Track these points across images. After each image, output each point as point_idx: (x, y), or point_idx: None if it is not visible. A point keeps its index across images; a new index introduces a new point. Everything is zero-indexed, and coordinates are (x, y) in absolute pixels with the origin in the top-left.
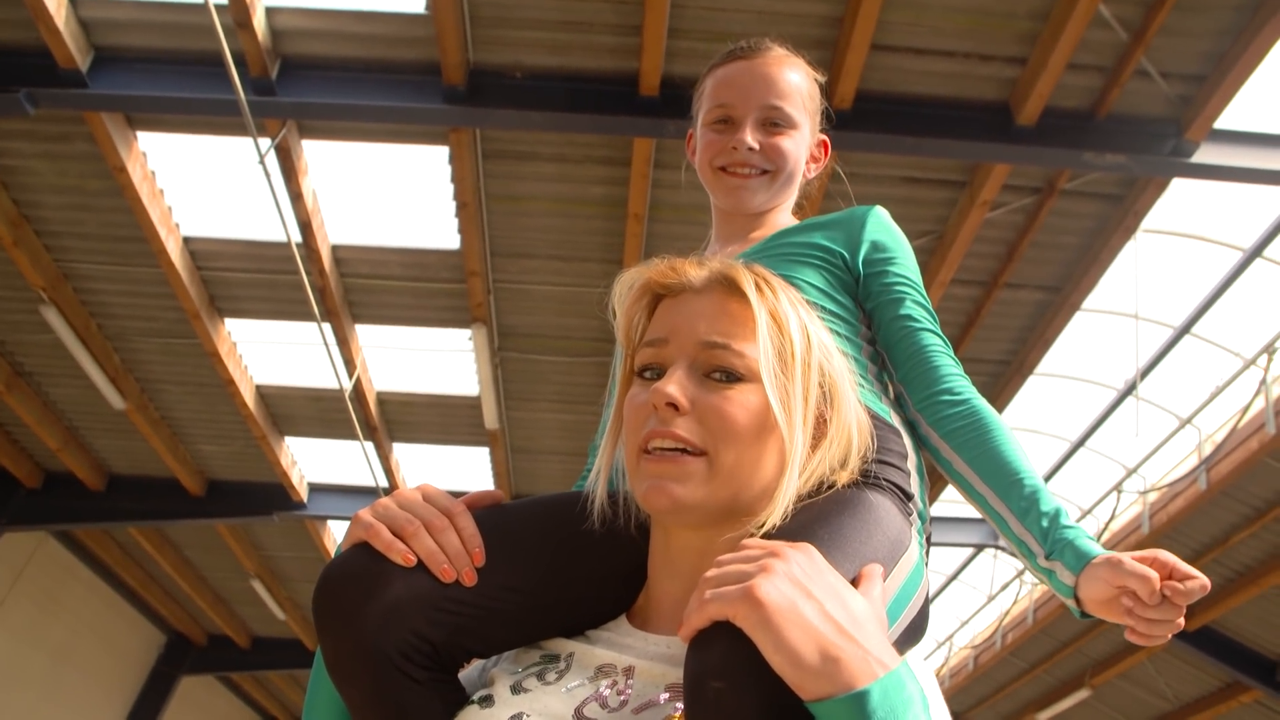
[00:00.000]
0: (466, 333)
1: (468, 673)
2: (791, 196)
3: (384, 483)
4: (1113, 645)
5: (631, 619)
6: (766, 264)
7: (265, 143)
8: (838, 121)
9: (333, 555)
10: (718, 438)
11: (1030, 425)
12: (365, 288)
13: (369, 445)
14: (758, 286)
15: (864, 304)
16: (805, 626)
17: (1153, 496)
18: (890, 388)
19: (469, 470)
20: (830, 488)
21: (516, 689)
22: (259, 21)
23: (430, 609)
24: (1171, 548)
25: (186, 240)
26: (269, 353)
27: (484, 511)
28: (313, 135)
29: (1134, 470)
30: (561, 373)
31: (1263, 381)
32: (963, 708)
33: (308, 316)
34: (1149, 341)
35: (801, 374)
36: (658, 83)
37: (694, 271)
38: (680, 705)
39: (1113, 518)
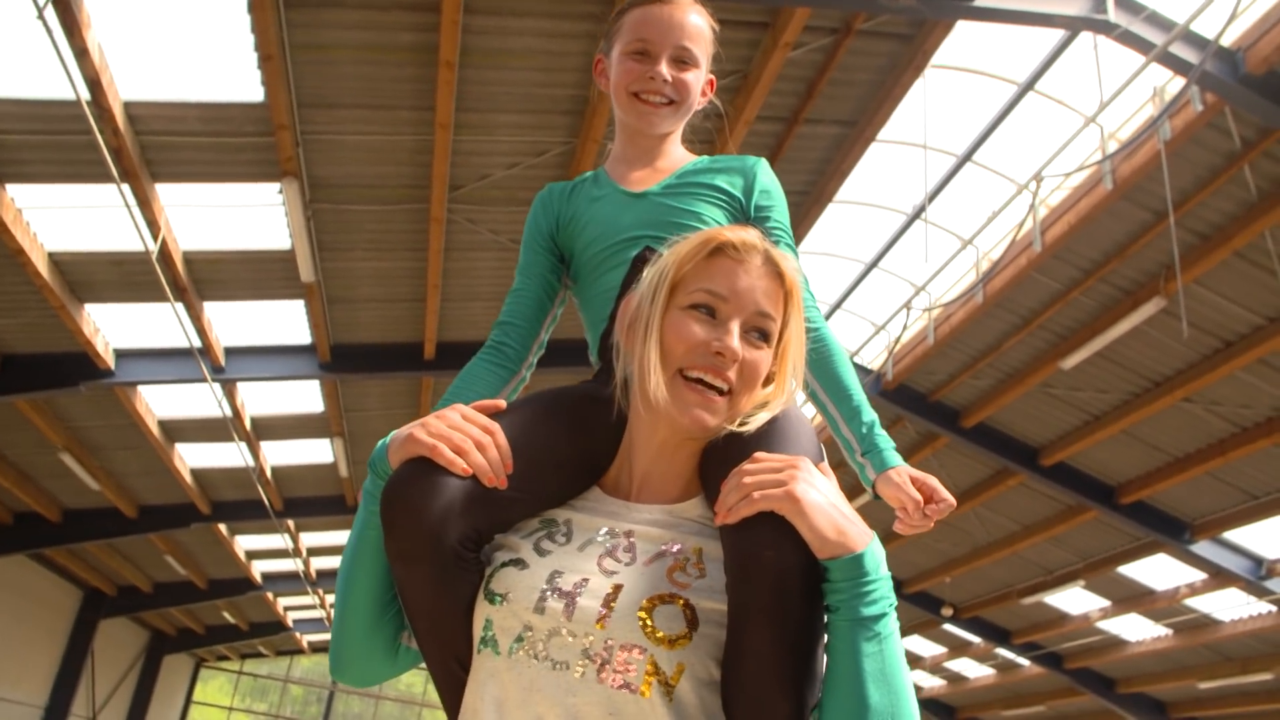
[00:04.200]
0: (276, 186)
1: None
2: (684, 123)
3: (197, 343)
4: (901, 446)
5: (604, 489)
6: (679, 199)
7: None
8: None
9: (373, 459)
10: (745, 383)
11: (828, 250)
12: (164, 145)
13: (179, 306)
14: (794, 278)
15: None
16: (824, 513)
17: (937, 311)
18: None
19: (285, 325)
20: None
21: (540, 551)
22: None
23: (478, 506)
24: (952, 355)
25: None
26: (62, 218)
27: (500, 416)
28: None
29: (921, 288)
30: (375, 221)
31: (1032, 204)
32: None
33: (104, 178)
34: (936, 170)
35: (796, 349)
36: None
37: (757, 243)
38: (683, 555)
39: (904, 330)
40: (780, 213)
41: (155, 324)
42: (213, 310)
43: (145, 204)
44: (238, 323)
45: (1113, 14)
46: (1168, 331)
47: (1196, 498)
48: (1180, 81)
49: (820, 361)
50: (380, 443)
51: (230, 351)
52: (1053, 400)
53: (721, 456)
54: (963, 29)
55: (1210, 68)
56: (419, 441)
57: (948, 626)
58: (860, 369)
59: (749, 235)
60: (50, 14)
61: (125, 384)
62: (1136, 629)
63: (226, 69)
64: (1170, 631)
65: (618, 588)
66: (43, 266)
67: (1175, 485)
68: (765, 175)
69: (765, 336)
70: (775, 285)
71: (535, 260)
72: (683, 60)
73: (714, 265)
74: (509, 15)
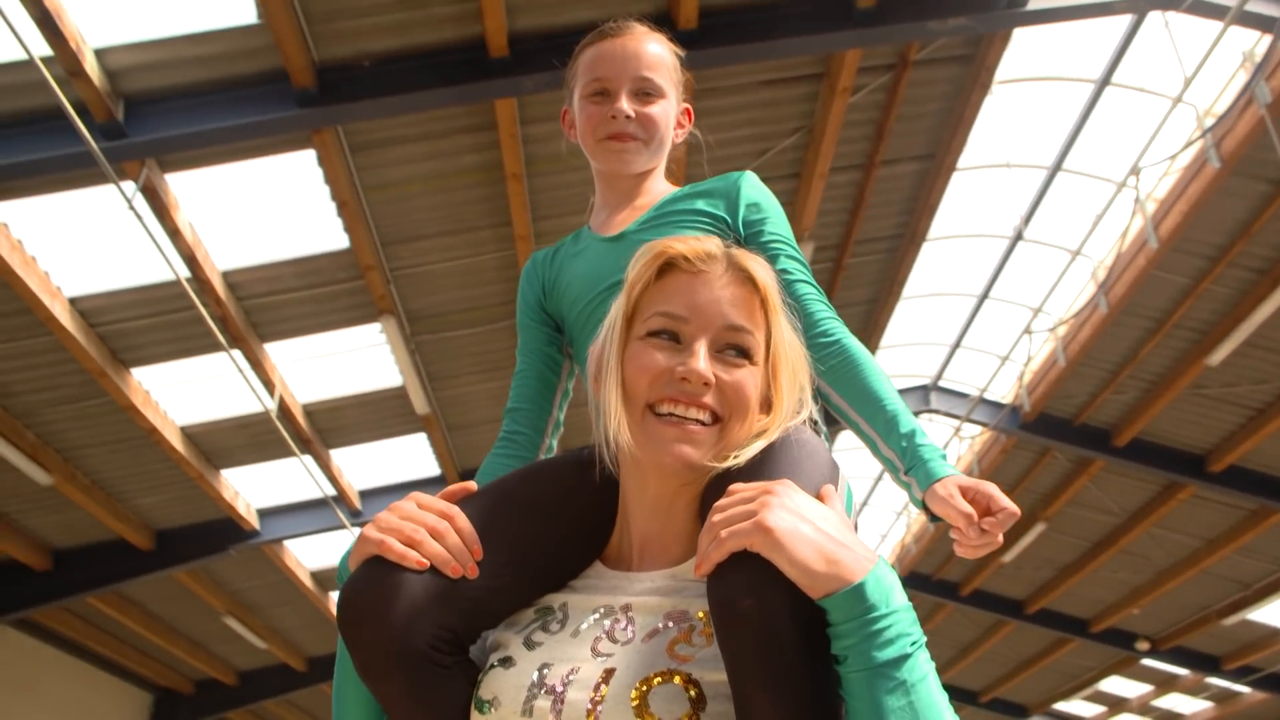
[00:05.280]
0: (376, 326)
1: (474, 647)
2: (664, 160)
3: (330, 491)
4: (1055, 477)
5: (606, 563)
6: (659, 231)
7: (129, 186)
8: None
9: (339, 574)
10: (734, 409)
11: (934, 290)
12: (265, 305)
13: (307, 458)
14: (766, 284)
15: None
16: (808, 541)
17: (1062, 330)
18: None
19: (411, 459)
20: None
21: (530, 644)
22: (91, 66)
23: (446, 602)
24: (1088, 373)
25: (73, 301)
26: (186, 392)
27: (467, 502)
28: (175, 168)
29: (1039, 310)
30: (477, 343)
31: (1137, 199)
32: (933, 568)
33: (215, 348)
34: (1026, 186)
35: (788, 358)
36: (505, 41)
37: (715, 250)
38: (687, 623)
39: (1029, 360)
40: (775, 224)
41: (289, 479)
42: (340, 456)
43: (258, 365)
44: (366, 465)
45: None
46: None
47: None
48: (1268, 40)
49: (844, 375)
50: (345, 550)
51: (364, 494)
52: (1207, 401)
53: (717, 500)
54: (1022, 38)
55: None
56: (368, 539)
57: (1147, 661)
58: (993, 405)
59: (705, 244)
60: (140, 202)
61: (271, 541)
62: None
63: (310, 222)
64: None
65: (609, 673)
66: (176, 441)
67: None
68: (750, 188)
69: (745, 353)
70: (746, 293)
71: (530, 336)
72: (645, 92)
73: (669, 284)
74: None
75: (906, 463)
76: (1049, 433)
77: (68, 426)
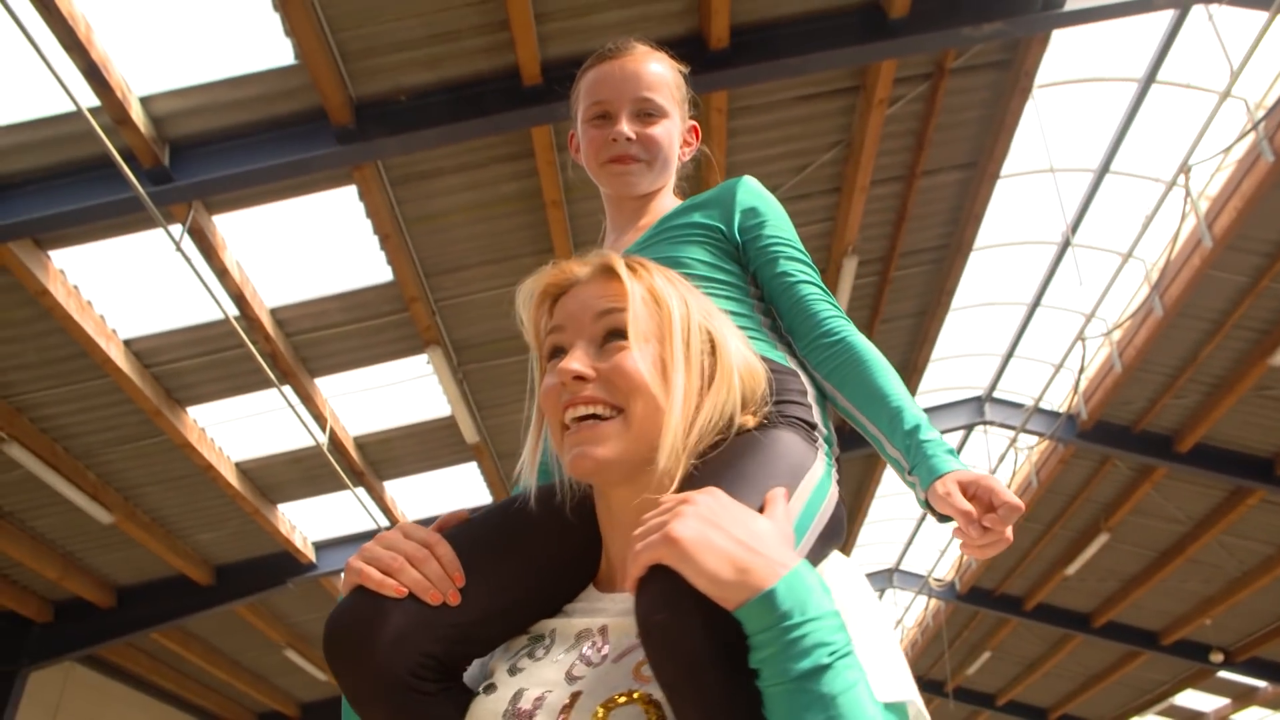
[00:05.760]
0: (423, 357)
1: (470, 672)
2: (670, 179)
3: (384, 523)
4: (1117, 486)
5: (598, 585)
6: (656, 249)
7: (177, 229)
8: (721, 61)
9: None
10: (625, 393)
11: (984, 300)
12: (313, 341)
13: (360, 491)
14: (631, 268)
15: (748, 267)
16: (717, 551)
17: (1116, 335)
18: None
19: (462, 488)
20: (741, 431)
21: (513, 670)
22: (136, 114)
23: (428, 629)
24: (1146, 378)
25: (128, 343)
26: (239, 429)
27: (454, 530)
28: (221, 209)
29: (1092, 315)
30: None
31: (1188, 198)
32: (994, 583)
33: (266, 384)
34: (1072, 190)
35: (681, 332)
36: (538, 70)
37: (578, 268)
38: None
39: (1083, 367)
40: (774, 226)
41: (343, 511)
42: (393, 488)
43: (308, 400)
44: (418, 495)
45: None
46: None
47: None
48: None
49: (848, 374)
50: None
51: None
52: (1272, 402)
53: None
54: (1061, 39)
55: None
56: (351, 568)
57: (1223, 674)
58: (1049, 414)
59: (573, 261)
60: (188, 244)
61: (329, 574)
62: None
63: (354, 256)
64: None
65: (575, 696)
66: (232, 478)
67: None
68: (745, 193)
69: (619, 333)
70: (614, 284)
71: None
72: (646, 113)
73: (554, 309)
74: None
75: (910, 461)
76: (1108, 441)
77: (126, 466)
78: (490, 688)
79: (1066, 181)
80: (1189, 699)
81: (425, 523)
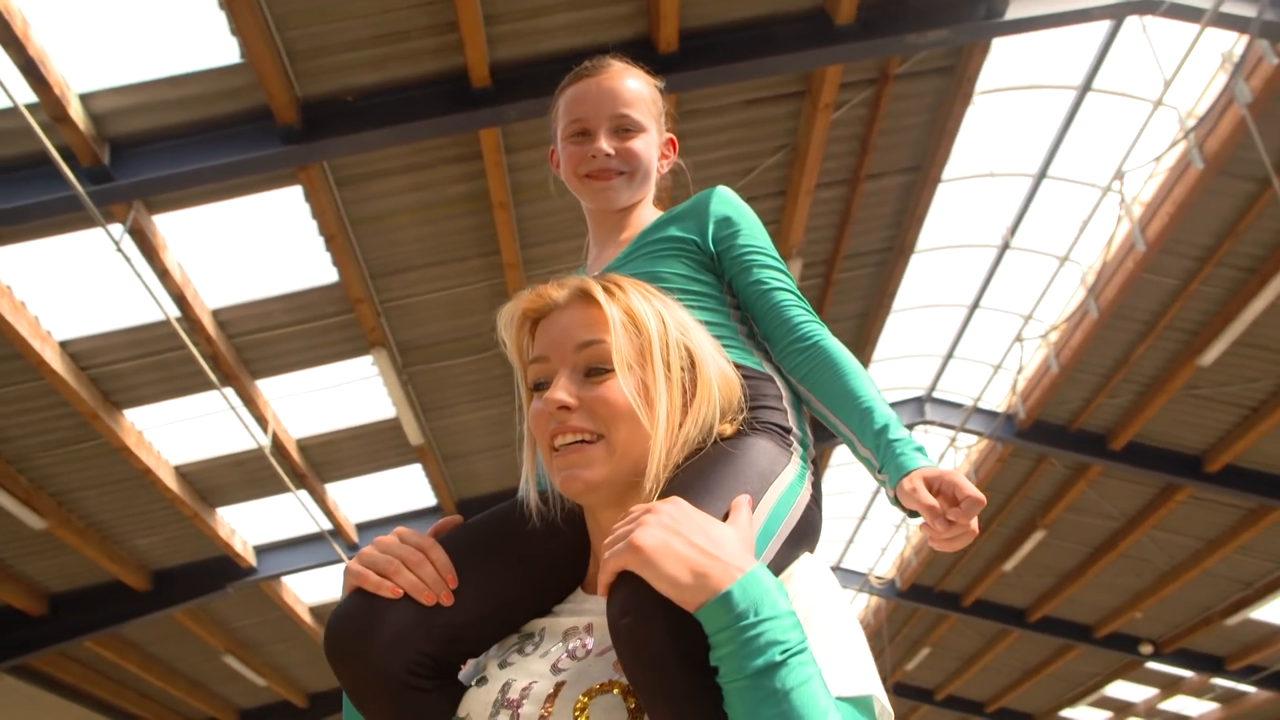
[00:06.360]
0: (368, 359)
1: (465, 671)
2: (650, 191)
3: (327, 525)
4: (1053, 484)
5: (585, 588)
6: (635, 264)
7: (117, 229)
8: (668, 65)
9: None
10: (607, 422)
11: (925, 301)
12: (256, 342)
13: (303, 494)
14: (608, 291)
15: (724, 276)
16: (676, 556)
17: (1053, 336)
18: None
19: (407, 490)
20: (719, 439)
21: (503, 665)
22: (76, 111)
23: (423, 629)
24: (1081, 378)
25: (63, 344)
26: (179, 431)
27: (448, 535)
28: (162, 209)
29: (1029, 317)
30: (470, 372)
31: (1122, 203)
32: (933, 580)
33: (207, 386)
34: (1012, 195)
35: (660, 353)
36: (487, 72)
37: (556, 293)
38: None
39: (1021, 368)
40: (747, 235)
41: (286, 515)
42: (335, 490)
43: (250, 402)
44: (362, 498)
45: None
46: None
47: None
48: (1245, 40)
49: (821, 377)
50: None
51: (361, 527)
52: (1201, 402)
53: None
54: (1002, 47)
55: (1271, 16)
56: (349, 571)
57: (1152, 664)
58: (987, 414)
59: (550, 285)
60: (128, 244)
61: (269, 578)
62: None
63: (298, 257)
64: None
65: (559, 686)
66: (171, 481)
67: None
68: (719, 204)
69: (603, 368)
70: (594, 310)
71: None
72: (625, 129)
73: (536, 334)
74: (548, 145)
75: (880, 459)
76: (1045, 439)
77: (61, 470)
78: (482, 680)
79: (1006, 186)
80: (1119, 690)
81: (372, 527)
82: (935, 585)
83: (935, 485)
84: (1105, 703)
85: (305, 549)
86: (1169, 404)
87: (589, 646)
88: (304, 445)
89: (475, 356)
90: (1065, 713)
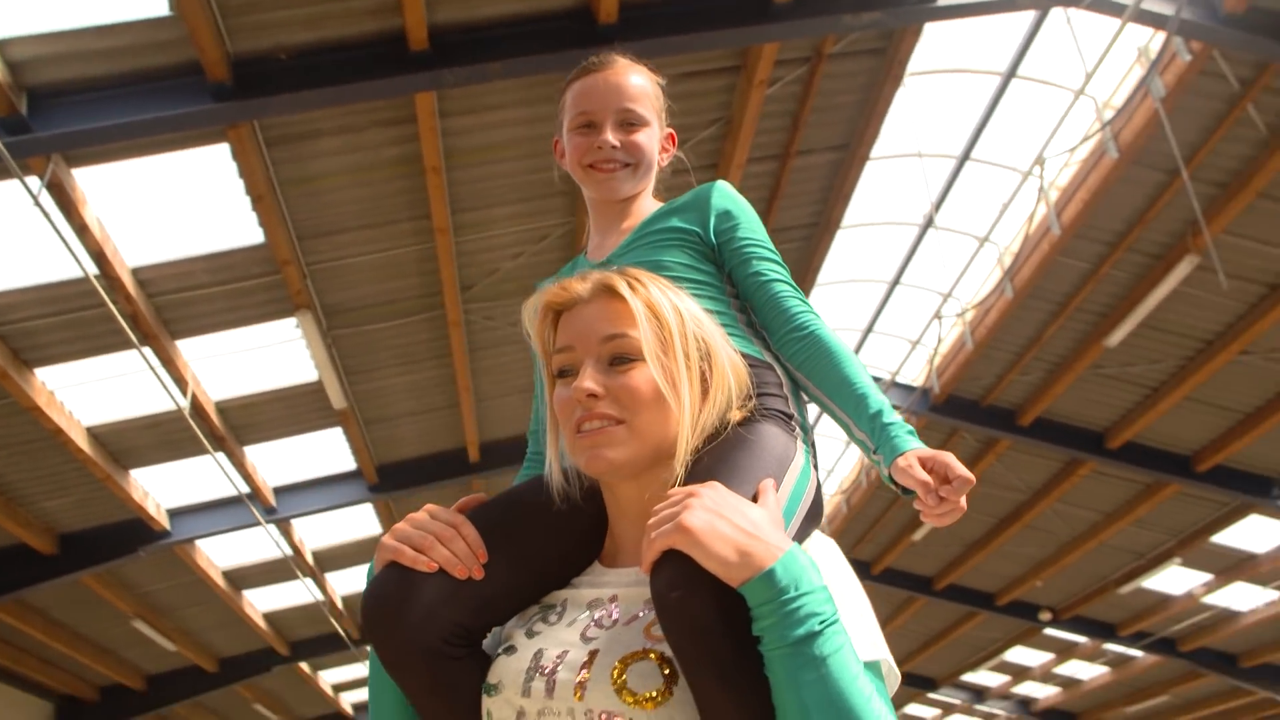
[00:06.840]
0: (292, 321)
1: (487, 641)
2: (651, 182)
3: (245, 489)
4: (963, 456)
5: (603, 561)
6: (638, 253)
7: (34, 182)
8: (608, 36)
9: (366, 580)
10: (630, 409)
11: (848, 276)
12: (177, 302)
13: (220, 456)
14: (631, 286)
15: (724, 267)
16: (722, 537)
17: (970, 315)
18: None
19: (327, 454)
20: (730, 425)
21: (530, 634)
22: None
23: (456, 601)
24: (995, 355)
25: None
26: (93, 392)
27: (474, 511)
28: (83, 163)
29: (948, 295)
30: (396, 336)
31: (1041, 188)
32: (847, 546)
33: (125, 345)
34: (938, 175)
35: (680, 345)
36: (425, 35)
37: (580, 286)
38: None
39: (940, 341)
40: (747, 228)
41: (202, 478)
42: (254, 454)
43: (169, 363)
44: (281, 461)
45: None
46: (1208, 287)
47: (1276, 450)
48: (1162, 37)
49: (818, 365)
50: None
51: (279, 491)
52: (1106, 381)
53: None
54: (933, 31)
55: (1188, 15)
56: (384, 547)
57: (1049, 631)
58: (904, 388)
59: (573, 279)
60: (46, 198)
61: (183, 541)
62: (1246, 598)
63: (223, 217)
64: None
65: (593, 654)
66: (83, 442)
67: (1251, 443)
68: (720, 197)
69: (627, 358)
70: (616, 302)
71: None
72: (629, 123)
73: (560, 325)
74: (484, 111)
75: (875, 441)
76: (957, 414)
77: None
78: (510, 649)
79: (932, 166)
80: (1017, 654)
81: (291, 490)
82: (847, 554)
83: (928, 464)
84: (1004, 667)
85: (221, 512)
86: (1076, 382)
87: (615, 616)
88: (223, 407)
89: (402, 320)
90: (966, 676)
